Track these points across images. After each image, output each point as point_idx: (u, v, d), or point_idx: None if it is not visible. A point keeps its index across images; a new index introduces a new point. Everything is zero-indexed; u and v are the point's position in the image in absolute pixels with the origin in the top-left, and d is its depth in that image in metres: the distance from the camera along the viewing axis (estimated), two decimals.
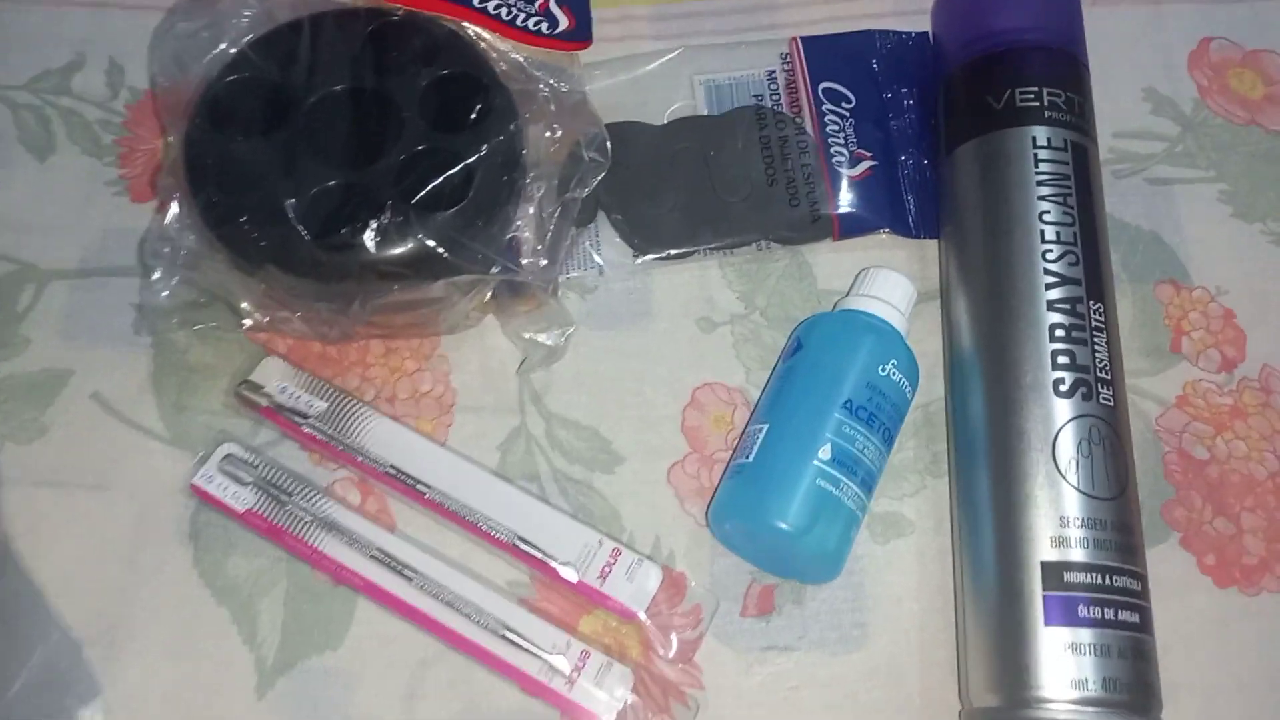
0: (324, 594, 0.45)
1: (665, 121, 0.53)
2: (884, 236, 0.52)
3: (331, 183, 0.45)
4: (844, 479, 0.42)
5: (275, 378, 0.48)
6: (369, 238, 0.43)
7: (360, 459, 0.46)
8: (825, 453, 0.42)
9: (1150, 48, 0.57)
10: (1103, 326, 0.44)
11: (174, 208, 0.45)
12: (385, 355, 0.50)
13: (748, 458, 0.44)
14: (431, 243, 0.43)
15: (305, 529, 0.45)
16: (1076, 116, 0.47)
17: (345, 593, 0.45)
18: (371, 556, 0.45)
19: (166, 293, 0.46)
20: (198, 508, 0.46)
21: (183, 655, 0.44)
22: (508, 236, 0.45)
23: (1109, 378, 0.43)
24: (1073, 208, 0.45)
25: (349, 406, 0.48)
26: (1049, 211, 0.45)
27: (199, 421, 0.48)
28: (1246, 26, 0.57)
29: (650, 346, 0.50)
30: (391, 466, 0.46)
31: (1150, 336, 0.50)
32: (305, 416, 0.47)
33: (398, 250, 0.43)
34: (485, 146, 0.45)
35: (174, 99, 0.47)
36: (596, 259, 0.51)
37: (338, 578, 0.45)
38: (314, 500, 0.46)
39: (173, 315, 0.47)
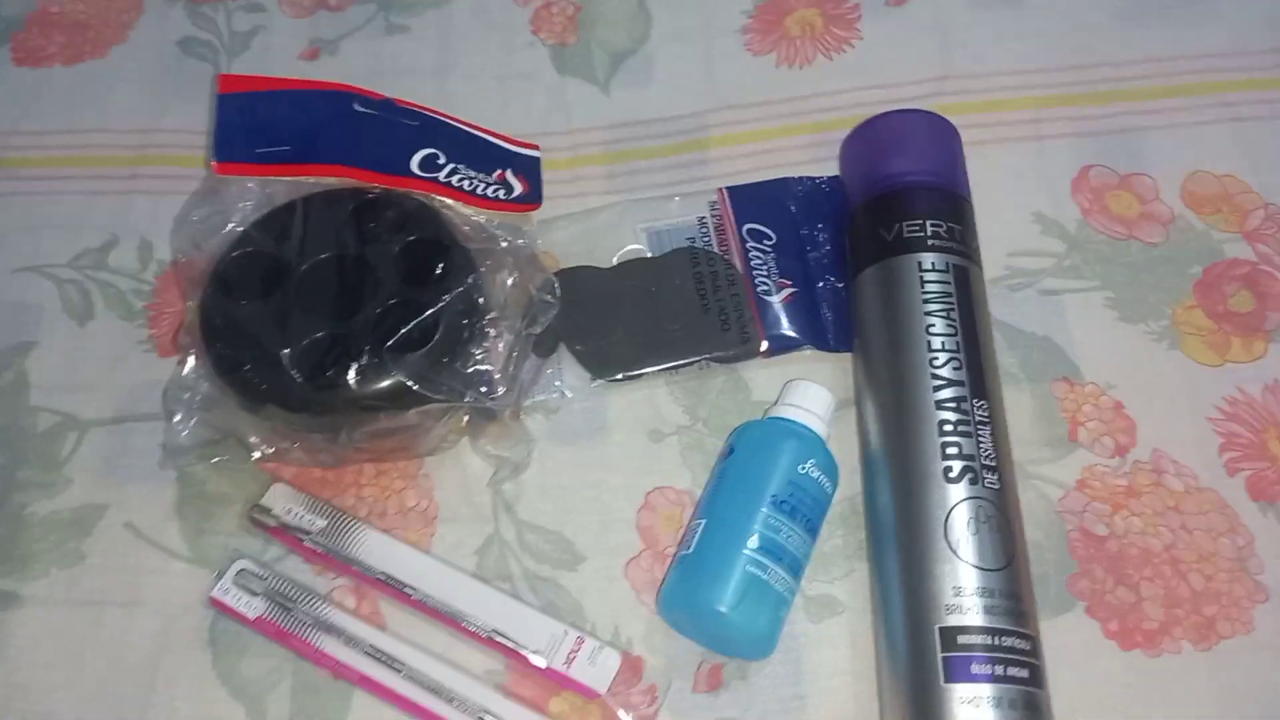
0: (324, 687, 0.51)
1: (614, 264, 0.62)
2: (807, 352, 0.59)
3: (320, 334, 0.53)
4: (771, 565, 0.49)
5: (282, 501, 0.55)
6: (351, 377, 0.51)
7: (355, 568, 0.53)
8: (754, 542, 0.49)
9: (1036, 177, 0.64)
10: (987, 420, 0.50)
11: (191, 361, 0.53)
12: (376, 476, 0.57)
13: (688, 550, 0.50)
14: (404, 378, 0.51)
15: (308, 631, 0.52)
16: (958, 243, 0.55)
17: (343, 686, 0.51)
18: (365, 653, 0.51)
19: (186, 432, 0.54)
20: (216, 617, 0.53)
21: None
22: (471, 369, 0.52)
23: (994, 464, 0.49)
24: (955, 320, 0.52)
25: (345, 523, 0.54)
26: (935, 325, 0.52)
27: (217, 542, 0.55)
28: (1120, 154, 0.65)
29: (607, 457, 0.57)
30: (383, 574, 0.53)
31: (1049, 428, 0.57)
32: (308, 533, 0.54)
33: (376, 386, 0.51)
34: (447, 297, 0.53)
35: (192, 271, 0.56)
36: (559, 385, 0.59)
37: (336, 673, 0.51)
38: (315, 606, 0.52)
39: (192, 452, 0.55)
